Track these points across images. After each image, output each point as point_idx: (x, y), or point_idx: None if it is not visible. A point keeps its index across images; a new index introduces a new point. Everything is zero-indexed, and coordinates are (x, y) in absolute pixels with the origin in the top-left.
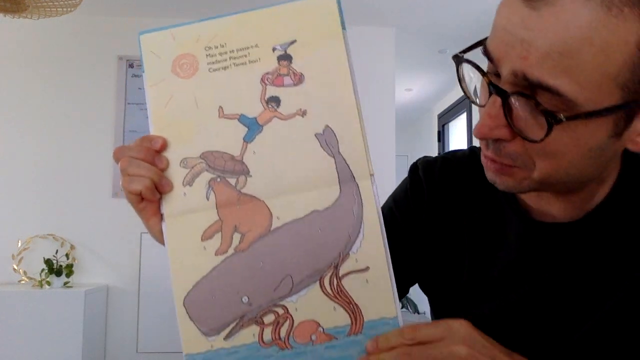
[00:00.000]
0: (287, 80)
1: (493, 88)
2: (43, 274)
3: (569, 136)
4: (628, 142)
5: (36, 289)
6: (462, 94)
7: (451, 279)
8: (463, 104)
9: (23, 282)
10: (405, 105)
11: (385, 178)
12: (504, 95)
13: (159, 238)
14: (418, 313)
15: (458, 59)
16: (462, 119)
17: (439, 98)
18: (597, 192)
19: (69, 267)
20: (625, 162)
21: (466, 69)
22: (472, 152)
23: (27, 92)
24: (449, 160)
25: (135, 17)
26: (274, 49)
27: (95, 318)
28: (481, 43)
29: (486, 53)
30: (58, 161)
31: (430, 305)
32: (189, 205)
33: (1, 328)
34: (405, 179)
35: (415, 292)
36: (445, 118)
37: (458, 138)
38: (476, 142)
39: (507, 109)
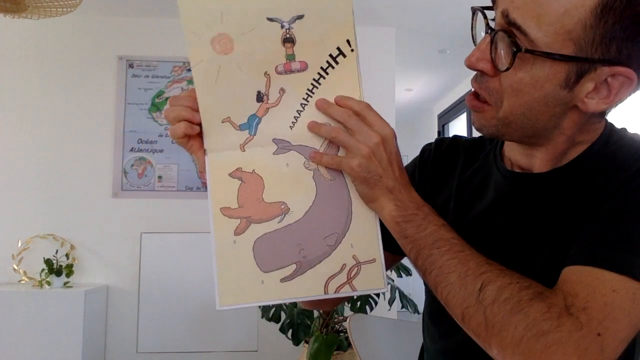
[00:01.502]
0: (295, 65)
1: (487, 27)
2: (43, 274)
3: (530, 76)
4: (578, 100)
5: (36, 289)
6: (462, 94)
7: None
8: (463, 104)
9: (23, 282)
10: (405, 105)
11: None
12: (493, 33)
13: (202, 167)
14: (418, 313)
15: (473, 9)
16: (462, 119)
17: (439, 98)
18: (570, 152)
19: (69, 267)
20: (604, 132)
21: (479, 23)
22: (480, 137)
23: (27, 92)
24: (457, 139)
25: (135, 17)
26: (283, 41)
27: (95, 318)
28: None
29: (492, 0)
30: (58, 161)
31: None
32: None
33: (1, 328)
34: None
35: (415, 292)
36: (445, 118)
37: None
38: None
39: (493, 46)
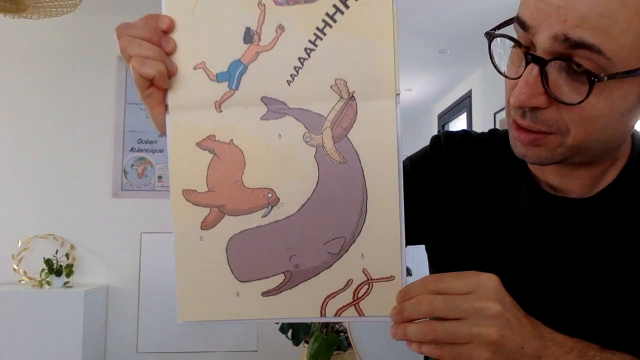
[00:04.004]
0: None
1: (531, 57)
2: (43, 274)
3: (604, 99)
4: None
5: (36, 289)
6: (462, 94)
7: (457, 243)
8: (463, 104)
9: (23, 282)
10: (405, 105)
11: None
12: (542, 63)
13: (162, 129)
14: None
15: (490, 35)
16: (462, 119)
17: (439, 98)
18: (608, 171)
19: (69, 267)
20: (635, 145)
21: (494, 46)
22: (491, 133)
23: (27, 92)
24: (469, 135)
25: (135, 17)
26: None
27: (95, 318)
28: (508, 22)
29: (520, 23)
30: (58, 161)
31: (431, 267)
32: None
33: (1, 328)
34: (426, 146)
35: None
36: (445, 118)
37: None
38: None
39: (544, 77)
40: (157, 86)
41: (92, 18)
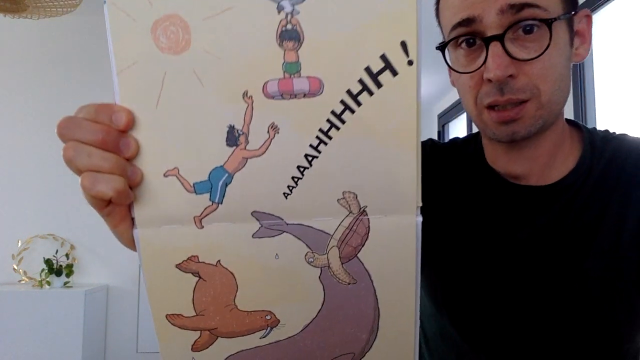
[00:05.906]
0: (300, 83)
1: (490, 39)
2: (43, 274)
3: (555, 47)
4: (572, 55)
5: (36, 289)
6: None
7: (435, 250)
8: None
9: (23, 282)
10: None
11: None
12: (501, 37)
13: (132, 246)
14: None
15: (442, 46)
16: (462, 119)
17: (439, 98)
18: (560, 151)
19: (69, 267)
20: (585, 137)
21: (447, 55)
22: (452, 142)
23: (27, 92)
24: (436, 145)
25: None
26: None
27: (95, 318)
28: (447, 42)
29: (465, 22)
30: (58, 161)
31: None
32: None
33: (1, 328)
34: None
35: None
36: (445, 118)
37: None
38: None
39: (505, 48)
40: (117, 204)
41: (92, 18)
